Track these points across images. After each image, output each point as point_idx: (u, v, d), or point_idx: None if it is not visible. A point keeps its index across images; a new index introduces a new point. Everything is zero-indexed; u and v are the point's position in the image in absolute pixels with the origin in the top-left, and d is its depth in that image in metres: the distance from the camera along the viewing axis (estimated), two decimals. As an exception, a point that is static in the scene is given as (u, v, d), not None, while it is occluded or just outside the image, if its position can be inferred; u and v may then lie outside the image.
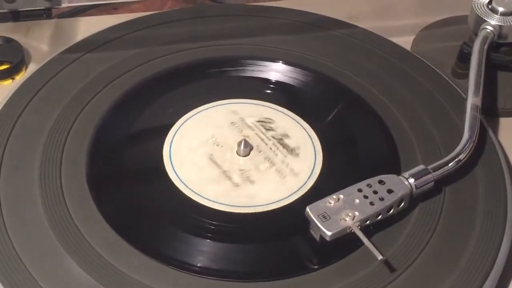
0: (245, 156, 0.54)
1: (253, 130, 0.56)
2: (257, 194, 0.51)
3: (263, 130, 0.56)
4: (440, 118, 0.57)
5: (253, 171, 0.53)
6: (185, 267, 0.46)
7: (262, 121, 0.57)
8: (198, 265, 0.47)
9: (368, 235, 0.47)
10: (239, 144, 0.54)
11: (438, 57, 0.65)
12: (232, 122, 0.57)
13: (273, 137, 0.56)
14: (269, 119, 0.57)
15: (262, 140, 0.56)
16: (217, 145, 0.55)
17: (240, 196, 0.51)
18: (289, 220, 0.50)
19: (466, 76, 0.58)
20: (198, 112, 0.58)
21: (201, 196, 0.51)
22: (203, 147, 0.55)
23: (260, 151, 0.55)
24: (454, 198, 0.51)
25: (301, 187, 0.52)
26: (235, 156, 0.54)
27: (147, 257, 0.46)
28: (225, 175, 0.53)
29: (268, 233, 0.49)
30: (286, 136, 0.56)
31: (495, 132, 0.59)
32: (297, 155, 0.55)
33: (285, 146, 0.55)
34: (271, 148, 0.55)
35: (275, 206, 0.51)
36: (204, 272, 0.46)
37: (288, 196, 0.51)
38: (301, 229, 0.48)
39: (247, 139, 0.54)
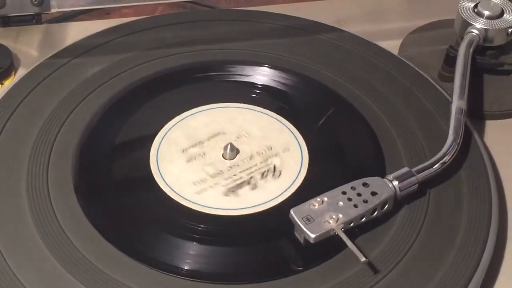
0: (231, 159, 0.54)
1: (239, 133, 0.57)
2: (243, 197, 0.52)
3: (250, 134, 0.57)
4: (426, 121, 0.58)
5: (239, 174, 0.53)
6: (171, 269, 0.46)
7: (249, 125, 0.58)
8: (184, 267, 0.47)
9: (353, 237, 0.48)
10: (225, 147, 0.54)
11: (425, 60, 0.66)
12: (218, 126, 0.57)
13: (259, 140, 0.56)
14: (256, 122, 0.58)
15: (248, 143, 0.56)
16: (204, 149, 0.55)
17: (226, 199, 0.51)
18: (274, 222, 0.50)
19: (452, 79, 0.59)
20: (186, 116, 0.58)
21: (187, 199, 0.51)
22: (190, 151, 0.55)
23: (246, 154, 0.55)
24: (439, 200, 0.51)
25: (286, 190, 0.52)
26: (221, 159, 0.54)
27: (135, 261, 0.47)
28: (212, 179, 0.53)
29: (253, 235, 0.50)
30: (272, 139, 0.56)
31: (481, 135, 0.60)
32: (283, 158, 0.55)
33: (271, 149, 0.56)
34: (257, 151, 0.55)
35: (260, 209, 0.51)
36: (188, 274, 0.46)
37: (274, 198, 0.52)
38: (286, 231, 0.48)
39: (233, 142, 0.55)
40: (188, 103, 0.59)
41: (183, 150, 0.55)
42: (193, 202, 0.51)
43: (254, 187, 0.52)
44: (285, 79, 0.62)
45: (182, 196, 0.51)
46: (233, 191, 0.52)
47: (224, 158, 0.54)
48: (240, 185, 0.53)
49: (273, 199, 0.52)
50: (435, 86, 0.61)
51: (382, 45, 0.66)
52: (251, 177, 0.53)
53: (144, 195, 0.52)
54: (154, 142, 0.56)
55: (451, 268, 0.47)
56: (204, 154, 0.55)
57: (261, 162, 0.54)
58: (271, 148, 0.56)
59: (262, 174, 0.53)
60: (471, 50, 0.60)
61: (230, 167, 0.54)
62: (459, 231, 0.49)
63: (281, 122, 0.58)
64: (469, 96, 0.59)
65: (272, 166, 0.54)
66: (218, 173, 0.53)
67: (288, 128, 0.57)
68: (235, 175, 0.53)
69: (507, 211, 0.54)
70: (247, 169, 0.54)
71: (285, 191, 0.52)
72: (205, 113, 0.59)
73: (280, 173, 0.53)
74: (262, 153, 0.55)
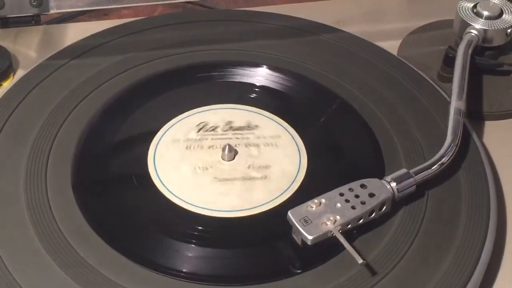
0: (230, 160, 0.54)
1: (238, 134, 0.57)
2: (241, 198, 0.52)
3: (249, 135, 0.57)
4: (425, 122, 0.58)
5: (237, 176, 0.53)
6: (167, 271, 0.46)
7: (247, 126, 0.57)
8: (181, 269, 0.47)
9: (351, 239, 0.48)
10: (223, 149, 0.54)
11: (424, 61, 0.66)
12: (217, 127, 0.57)
13: (258, 141, 0.56)
14: (255, 123, 0.58)
15: (247, 144, 0.56)
16: (202, 150, 0.55)
17: (224, 201, 0.51)
18: (272, 224, 0.50)
19: (451, 80, 0.58)
20: (184, 117, 0.58)
21: (185, 201, 0.51)
22: (188, 152, 0.55)
23: (244, 156, 0.55)
24: (437, 201, 0.51)
25: (284, 192, 0.52)
26: (219, 160, 0.54)
27: (133, 262, 0.46)
28: (209, 180, 0.53)
29: (251, 237, 0.50)
30: (271, 140, 0.56)
31: (481, 135, 0.60)
32: (281, 159, 0.55)
33: (269, 150, 0.55)
34: (255, 153, 0.55)
35: (258, 211, 0.51)
36: (185, 276, 0.46)
37: (272, 200, 0.52)
38: (283, 233, 0.48)
39: (231, 144, 0.55)
40: (186, 104, 0.59)
41: (181, 152, 0.55)
42: (190, 204, 0.51)
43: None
44: (284, 80, 0.62)
45: (179, 197, 0.51)
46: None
47: (223, 159, 0.54)
48: (237, 187, 0.53)
49: (271, 200, 0.51)
50: (434, 86, 0.61)
51: (381, 45, 0.66)
52: (258, 171, 0.54)
53: (141, 195, 0.52)
54: (152, 143, 0.55)
55: (449, 270, 0.47)
56: (202, 155, 0.55)
57: (259, 163, 0.54)
58: (270, 150, 0.55)
59: (262, 176, 0.53)
60: (470, 51, 0.60)
61: (228, 168, 0.54)
62: (457, 232, 0.49)
63: (279, 123, 0.58)
64: (468, 97, 0.59)
65: (270, 168, 0.54)
66: (216, 175, 0.53)
67: (286, 129, 0.57)
68: (233, 175, 0.53)
69: (506, 213, 0.54)
70: (245, 170, 0.54)
71: (283, 192, 0.52)
72: (204, 114, 0.58)
73: (278, 175, 0.53)
74: (260, 154, 0.55)
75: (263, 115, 0.59)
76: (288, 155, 0.55)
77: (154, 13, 0.80)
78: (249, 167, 0.54)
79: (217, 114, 0.58)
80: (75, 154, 0.54)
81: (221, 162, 0.54)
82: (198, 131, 0.57)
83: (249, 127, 0.57)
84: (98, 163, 0.54)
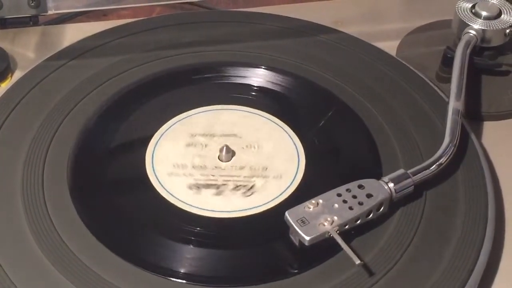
0: (227, 161, 0.54)
1: (235, 135, 0.57)
2: (238, 200, 0.52)
3: (246, 136, 0.57)
4: (423, 123, 0.57)
5: (235, 177, 0.53)
6: (165, 272, 0.46)
7: (245, 127, 0.57)
8: (178, 270, 0.47)
9: (349, 239, 0.48)
10: (221, 150, 0.54)
11: (423, 61, 0.66)
12: (215, 128, 0.57)
13: (255, 142, 0.56)
14: (252, 124, 0.58)
15: (245, 145, 0.56)
16: (199, 151, 0.55)
17: (221, 202, 0.51)
18: (270, 225, 0.50)
19: (450, 80, 0.58)
20: (182, 118, 0.58)
21: (183, 202, 0.51)
22: (186, 153, 0.55)
23: (242, 156, 0.55)
24: (435, 202, 0.51)
25: (283, 192, 0.52)
26: (217, 161, 0.54)
27: (130, 264, 0.46)
28: (207, 181, 0.53)
29: (249, 238, 0.50)
30: (268, 141, 0.56)
31: (479, 136, 0.60)
32: (279, 160, 0.55)
33: (267, 151, 0.55)
34: (253, 153, 0.55)
35: (256, 211, 0.51)
36: (183, 277, 0.46)
37: (270, 201, 0.52)
38: (281, 234, 0.48)
39: (229, 144, 0.55)
40: (185, 104, 0.59)
41: (178, 153, 0.55)
42: (188, 204, 0.51)
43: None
44: (282, 81, 0.62)
45: (177, 198, 0.51)
46: (198, 187, 0.52)
47: (220, 160, 0.54)
48: (207, 186, 0.52)
49: (268, 201, 0.51)
50: (433, 87, 0.61)
51: (379, 46, 0.66)
52: (223, 184, 0.53)
53: (139, 197, 0.52)
54: (150, 143, 0.55)
55: (447, 271, 0.47)
56: (200, 155, 0.55)
57: (245, 177, 0.54)
58: (268, 150, 0.55)
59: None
60: (468, 51, 0.60)
61: (216, 167, 0.54)
62: (455, 233, 0.49)
63: (277, 124, 0.58)
64: (467, 97, 0.59)
65: (250, 185, 0.53)
66: (201, 167, 0.53)
67: (284, 130, 0.57)
68: (213, 175, 0.53)
69: (504, 213, 0.54)
70: (228, 175, 0.53)
71: (281, 193, 0.52)
72: (202, 115, 0.58)
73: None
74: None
75: (261, 115, 0.59)
76: (286, 155, 0.55)
77: (153, 14, 0.79)
78: (246, 168, 0.54)
79: (213, 115, 0.58)
80: (72, 156, 0.54)
81: (218, 163, 0.54)
82: (197, 131, 0.57)
83: (246, 127, 0.57)
84: (96, 165, 0.54)
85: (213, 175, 0.53)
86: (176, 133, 0.57)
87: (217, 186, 0.52)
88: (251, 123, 0.58)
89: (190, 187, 0.52)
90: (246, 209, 0.51)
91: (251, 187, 0.52)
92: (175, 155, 0.55)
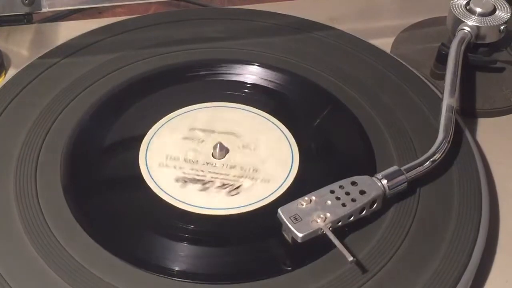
0: (221, 158, 0.54)
1: (230, 133, 0.56)
2: (232, 197, 0.51)
3: (240, 133, 0.56)
4: (417, 119, 0.57)
5: (228, 174, 0.53)
6: (160, 270, 0.46)
7: (239, 124, 0.57)
8: (173, 268, 0.47)
9: (343, 236, 0.47)
10: (214, 147, 0.54)
11: (418, 58, 0.66)
12: (208, 125, 0.57)
13: (249, 139, 0.56)
14: (247, 121, 0.58)
15: (238, 142, 0.56)
16: (193, 148, 0.55)
17: (215, 199, 0.51)
18: (263, 222, 0.50)
19: (444, 77, 0.58)
20: (176, 116, 0.58)
21: (177, 199, 0.51)
22: (179, 150, 0.55)
23: (236, 154, 0.55)
24: (429, 199, 0.51)
25: (277, 189, 0.52)
26: (211, 159, 0.54)
27: (126, 263, 0.46)
28: (201, 179, 0.53)
29: (242, 235, 0.49)
30: (263, 138, 0.56)
31: (474, 132, 0.60)
32: (273, 156, 0.55)
33: (261, 147, 0.55)
34: (247, 150, 0.55)
35: (250, 208, 0.51)
36: (177, 275, 0.46)
37: (263, 198, 0.51)
38: (275, 231, 0.48)
39: (222, 142, 0.55)
40: (179, 102, 0.59)
41: (172, 151, 0.55)
42: (183, 202, 0.51)
43: (203, 189, 0.52)
44: (276, 78, 0.62)
45: (171, 196, 0.51)
46: (185, 181, 0.52)
47: (214, 158, 0.54)
48: (193, 180, 0.52)
49: (262, 198, 0.51)
50: (427, 84, 0.61)
51: (374, 43, 0.66)
52: (209, 181, 0.53)
53: (133, 195, 0.52)
54: (144, 141, 0.55)
55: (441, 268, 0.47)
56: (194, 153, 0.55)
57: (234, 176, 0.53)
58: (262, 147, 0.55)
59: (222, 185, 0.53)
60: (462, 48, 0.60)
61: (208, 163, 0.54)
62: (449, 229, 0.49)
63: (271, 121, 0.58)
64: (461, 94, 0.59)
65: (237, 185, 0.53)
66: (193, 161, 0.53)
67: (278, 127, 0.57)
68: (202, 171, 0.53)
69: (498, 209, 0.54)
70: (217, 173, 0.53)
71: (274, 191, 0.52)
72: (196, 112, 0.58)
73: (236, 193, 0.52)
74: (246, 170, 0.54)
75: (254, 113, 0.59)
76: (280, 152, 0.55)
77: (148, 11, 0.79)
78: (240, 165, 0.54)
79: (207, 112, 0.58)
80: (66, 154, 0.54)
81: (212, 160, 0.54)
82: (189, 130, 0.57)
83: (240, 124, 0.57)
84: (89, 163, 0.54)
85: (202, 171, 0.53)
86: (169, 131, 0.56)
87: (203, 182, 0.52)
88: (246, 120, 0.58)
89: (177, 180, 0.52)
90: (239, 207, 0.51)
91: (238, 187, 0.52)
92: (170, 146, 0.55)
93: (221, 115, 0.58)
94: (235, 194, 0.52)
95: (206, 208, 0.50)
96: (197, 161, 0.54)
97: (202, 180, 0.52)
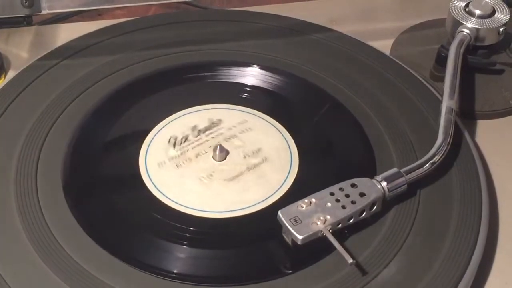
0: (221, 161, 0.54)
1: (229, 135, 0.57)
2: (232, 199, 0.51)
3: (240, 135, 0.57)
4: (417, 122, 0.57)
5: (228, 176, 0.53)
6: (158, 271, 0.46)
7: (238, 126, 0.57)
8: (172, 270, 0.47)
9: (343, 239, 0.48)
10: (214, 149, 0.54)
11: (417, 60, 0.66)
12: (208, 127, 0.57)
13: (249, 141, 0.56)
14: (246, 123, 0.58)
15: (238, 144, 0.56)
16: (193, 150, 0.55)
17: (215, 201, 0.51)
18: (263, 224, 0.50)
19: (444, 79, 0.58)
20: (175, 118, 0.58)
21: (176, 202, 0.51)
22: (179, 152, 0.55)
23: (235, 156, 0.55)
24: (429, 200, 0.51)
25: (277, 191, 0.52)
26: (211, 161, 0.54)
27: (124, 263, 0.46)
28: (201, 180, 0.53)
29: (242, 237, 0.49)
30: (263, 140, 0.56)
31: (473, 134, 0.60)
32: (273, 159, 0.55)
33: (261, 150, 0.55)
34: (247, 153, 0.55)
35: (250, 211, 0.51)
36: (176, 277, 0.46)
37: (263, 200, 0.51)
38: (274, 233, 0.48)
39: (222, 144, 0.55)
40: (179, 103, 0.59)
41: (172, 153, 0.55)
42: (180, 204, 0.51)
43: (202, 191, 0.52)
44: (276, 80, 0.62)
45: (170, 198, 0.51)
46: (242, 188, 0.52)
47: (214, 160, 0.54)
48: (193, 181, 0.53)
49: (262, 201, 0.51)
50: (427, 86, 0.61)
51: (374, 45, 0.66)
52: (250, 171, 0.53)
53: (132, 196, 0.52)
54: (144, 143, 0.55)
55: (441, 269, 0.47)
56: (194, 155, 0.55)
57: (251, 163, 0.54)
58: (262, 150, 0.55)
59: (258, 164, 0.54)
60: (462, 50, 0.60)
61: (220, 168, 0.54)
62: (449, 232, 0.49)
63: (270, 123, 0.58)
64: (461, 96, 0.59)
65: (262, 168, 0.54)
66: (193, 163, 0.54)
67: (277, 129, 0.57)
68: (202, 172, 0.53)
69: (498, 211, 0.54)
70: (216, 174, 0.53)
71: (274, 193, 0.52)
72: (196, 114, 0.58)
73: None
74: (252, 154, 0.55)
75: (254, 115, 0.59)
76: (279, 154, 0.55)
77: (148, 13, 0.79)
78: (240, 168, 0.54)
79: (206, 114, 0.58)
80: (66, 155, 0.54)
81: (212, 162, 0.54)
82: (190, 130, 0.57)
83: (240, 127, 0.57)
84: (89, 164, 0.54)
85: (202, 172, 0.53)
86: (168, 133, 0.56)
87: (203, 184, 0.53)
88: (246, 122, 0.58)
89: (177, 180, 0.52)
90: (239, 209, 0.51)
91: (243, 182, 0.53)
92: (169, 148, 0.55)
93: (220, 117, 0.58)
94: (238, 194, 0.52)
95: (206, 211, 0.50)
96: (197, 163, 0.54)
97: (202, 182, 0.53)
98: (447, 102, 0.55)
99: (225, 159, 0.54)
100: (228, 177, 0.53)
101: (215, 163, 0.54)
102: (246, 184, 0.53)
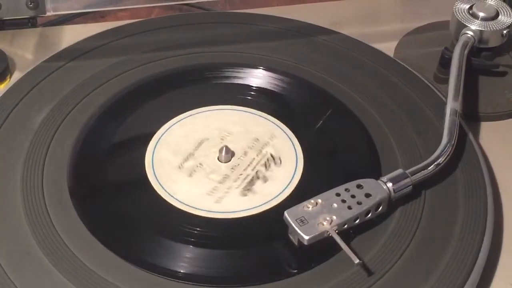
0: (227, 162, 0.54)
1: (235, 136, 0.57)
2: (238, 200, 0.52)
3: (245, 136, 0.57)
4: (422, 123, 0.58)
5: (234, 178, 0.53)
6: (166, 272, 0.46)
7: (244, 127, 0.57)
8: (179, 270, 0.47)
9: (348, 239, 0.48)
10: (220, 150, 0.54)
11: (421, 62, 0.66)
12: (214, 129, 0.57)
13: (254, 142, 0.56)
14: (251, 125, 0.58)
15: (244, 146, 0.56)
16: (199, 151, 0.55)
17: (221, 202, 0.51)
18: (269, 225, 0.50)
19: (447, 81, 0.58)
20: (181, 119, 0.58)
21: (182, 203, 0.51)
22: (185, 154, 0.55)
23: (241, 157, 0.55)
24: (434, 202, 0.51)
25: (281, 192, 0.52)
26: (216, 162, 0.54)
27: (131, 264, 0.47)
28: (207, 182, 0.53)
29: (248, 238, 0.50)
30: (268, 141, 0.56)
31: (477, 136, 0.60)
32: (278, 160, 0.55)
33: (266, 151, 0.56)
34: (252, 154, 0.55)
35: (256, 211, 0.51)
36: (183, 277, 0.46)
37: (269, 201, 0.52)
38: (280, 234, 0.48)
39: (228, 145, 0.55)
40: (183, 106, 0.59)
41: (178, 154, 0.55)
42: (187, 205, 0.51)
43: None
44: (280, 82, 0.62)
45: (176, 199, 0.51)
46: (248, 189, 0.52)
47: (220, 161, 0.54)
48: (251, 182, 0.53)
49: (267, 201, 0.51)
50: (431, 88, 0.61)
51: (377, 47, 0.66)
52: (257, 171, 0.53)
53: (139, 198, 0.52)
54: (150, 144, 0.56)
55: (447, 270, 0.47)
56: (199, 156, 0.55)
57: (257, 155, 0.54)
58: (267, 151, 0.55)
59: (265, 165, 0.54)
60: (466, 52, 0.60)
61: (225, 169, 0.54)
62: (455, 232, 0.49)
63: (276, 125, 0.58)
64: (464, 98, 0.60)
65: (267, 169, 0.54)
66: (199, 164, 0.54)
67: (283, 130, 0.57)
68: (241, 174, 0.53)
69: (502, 212, 0.54)
70: (222, 175, 0.54)
71: (280, 193, 0.52)
72: (200, 116, 0.59)
73: (280, 160, 0.53)
74: (257, 155, 0.55)
75: (259, 116, 0.59)
76: (285, 155, 0.55)
77: (151, 15, 0.80)
78: (246, 169, 0.54)
79: (212, 115, 0.58)
80: (72, 157, 0.54)
81: (218, 164, 0.54)
82: (195, 133, 0.57)
83: (245, 128, 0.57)
84: (96, 166, 0.54)
85: (241, 174, 0.54)
86: (174, 135, 0.57)
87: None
88: (251, 124, 0.58)
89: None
90: (245, 210, 0.51)
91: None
92: (175, 150, 0.55)
93: (225, 118, 0.58)
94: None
95: (212, 211, 0.51)
96: (203, 164, 0.54)
97: (207, 182, 0.53)
98: (452, 104, 0.55)
99: (230, 160, 0.55)
100: (234, 178, 0.53)
101: (220, 164, 0.54)
102: (252, 185, 0.53)
